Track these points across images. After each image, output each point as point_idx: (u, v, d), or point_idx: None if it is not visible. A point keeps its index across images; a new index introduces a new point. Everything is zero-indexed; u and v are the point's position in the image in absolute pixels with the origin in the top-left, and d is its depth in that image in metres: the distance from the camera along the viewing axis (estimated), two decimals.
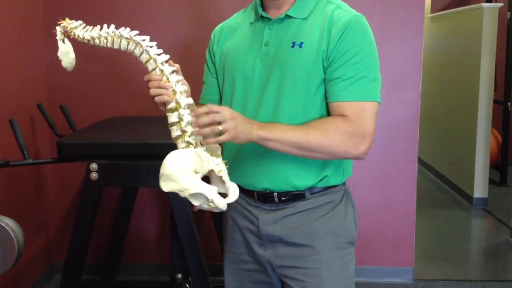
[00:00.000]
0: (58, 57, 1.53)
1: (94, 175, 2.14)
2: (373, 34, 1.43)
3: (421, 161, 5.91)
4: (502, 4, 4.68)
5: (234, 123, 1.24)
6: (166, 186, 1.20)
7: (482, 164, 4.67)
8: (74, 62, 1.55)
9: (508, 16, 4.93)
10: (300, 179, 1.44)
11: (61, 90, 3.03)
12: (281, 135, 1.32)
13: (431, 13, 5.92)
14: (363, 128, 1.36)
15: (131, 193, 2.92)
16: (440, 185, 5.41)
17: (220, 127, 1.23)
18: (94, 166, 2.14)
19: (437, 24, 5.74)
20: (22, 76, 2.76)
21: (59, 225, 3.18)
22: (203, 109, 1.23)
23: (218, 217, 2.63)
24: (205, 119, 1.22)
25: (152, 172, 2.16)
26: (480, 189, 4.68)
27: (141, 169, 2.18)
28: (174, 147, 1.27)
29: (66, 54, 1.53)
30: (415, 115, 3.06)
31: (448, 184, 5.29)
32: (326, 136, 1.33)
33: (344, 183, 1.54)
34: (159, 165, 2.09)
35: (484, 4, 4.56)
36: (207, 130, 1.23)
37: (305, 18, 1.44)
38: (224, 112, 1.23)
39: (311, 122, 1.39)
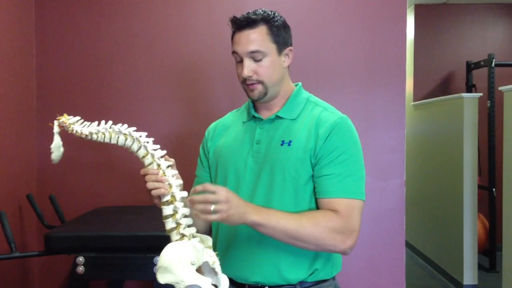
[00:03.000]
0: (49, 148, 1.57)
1: (80, 269, 2.13)
2: (357, 124, 1.53)
3: (411, 247, 5.90)
4: (481, 94, 4.83)
5: (227, 205, 1.28)
6: (163, 278, 1.20)
7: (471, 250, 4.67)
8: (62, 156, 1.59)
9: (488, 105, 5.10)
10: (291, 272, 1.46)
11: (51, 179, 3.06)
12: (276, 223, 1.36)
13: (414, 101, 6.13)
14: (352, 225, 1.42)
15: (117, 286, 2.88)
16: (430, 271, 5.36)
17: (212, 207, 1.26)
18: (80, 259, 2.13)
19: (420, 112, 5.92)
20: (13, 168, 2.79)
21: None
22: (199, 186, 1.28)
23: None
24: (199, 198, 1.26)
25: (139, 265, 2.15)
26: (469, 276, 4.64)
27: (128, 262, 2.17)
28: (167, 239, 1.29)
29: (58, 148, 1.57)
30: (400, 203, 3.10)
31: (438, 270, 5.25)
32: (319, 229, 1.38)
33: (334, 278, 1.56)
34: (146, 257, 2.09)
35: (464, 94, 4.74)
36: (200, 207, 1.27)
37: (294, 119, 1.53)
38: (220, 193, 1.27)
39: (306, 213, 1.43)
